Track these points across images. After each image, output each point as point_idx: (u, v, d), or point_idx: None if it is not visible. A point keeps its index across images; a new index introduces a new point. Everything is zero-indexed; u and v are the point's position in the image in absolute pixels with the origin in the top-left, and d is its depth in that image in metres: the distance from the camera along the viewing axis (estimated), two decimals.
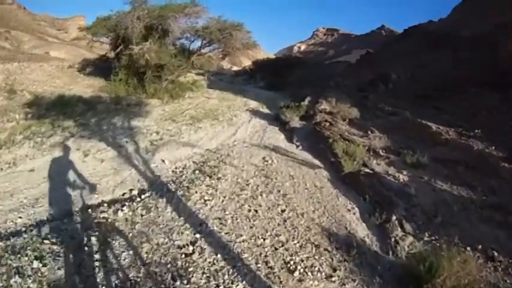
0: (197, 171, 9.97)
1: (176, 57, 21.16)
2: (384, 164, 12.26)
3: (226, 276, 5.46)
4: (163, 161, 10.88)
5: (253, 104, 24.30)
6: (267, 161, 11.53)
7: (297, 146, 14.42)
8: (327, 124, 16.04)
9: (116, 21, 20.39)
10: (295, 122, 17.28)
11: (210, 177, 9.51)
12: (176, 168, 10.47)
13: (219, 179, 9.47)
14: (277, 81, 38.13)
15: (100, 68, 23.47)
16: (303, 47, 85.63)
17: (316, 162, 12.62)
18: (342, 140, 13.82)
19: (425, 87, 23.60)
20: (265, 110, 22.61)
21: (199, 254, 5.94)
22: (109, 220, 6.77)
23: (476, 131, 13.60)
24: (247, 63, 58.63)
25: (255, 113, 20.79)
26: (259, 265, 5.86)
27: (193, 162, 11.02)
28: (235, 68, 65.13)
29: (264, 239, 6.67)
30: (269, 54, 71.94)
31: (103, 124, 13.70)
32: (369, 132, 15.24)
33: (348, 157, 11.49)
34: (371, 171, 11.18)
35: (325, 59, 64.03)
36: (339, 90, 27.47)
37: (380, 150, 13.14)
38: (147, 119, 15.48)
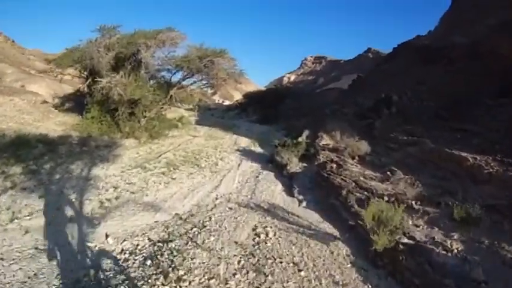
0: (148, 263, 6.09)
1: (155, 91, 17.85)
2: (423, 224, 8.29)
3: None
4: (107, 236, 7.05)
5: (244, 141, 20.62)
6: (259, 236, 7.57)
7: (300, 202, 10.44)
8: (334, 166, 12.17)
9: (82, 51, 17.35)
10: (294, 165, 13.37)
11: (166, 277, 5.64)
12: (122, 251, 6.58)
13: (179, 280, 5.61)
14: (269, 114, 34.97)
15: (79, 103, 20.25)
16: (292, 77, 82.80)
17: (329, 227, 8.71)
18: (357, 188, 10.01)
19: (433, 106, 20.43)
20: (258, 149, 18.85)
21: None
22: None
23: None
24: (238, 97, 56.00)
25: (246, 153, 17.03)
26: None
27: (150, 240, 7.11)
28: (227, 103, 62.05)
29: None
30: (260, 87, 69.07)
31: (57, 172, 10.72)
32: (389, 173, 11.35)
33: (375, 223, 7.38)
34: (412, 242, 7.17)
35: (315, 88, 60.86)
36: (337, 119, 23.74)
37: (413, 202, 9.14)
38: (112, 166, 12.24)
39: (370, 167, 12.59)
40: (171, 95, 18.16)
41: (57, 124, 16.87)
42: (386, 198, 9.24)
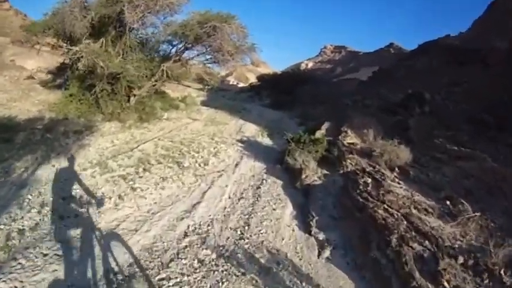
0: None
1: (145, 64, 13.74)
2: None
3: None
4: None
5: (251, 129, 16.20)
6: None
7: (321, 249, 6.06)
8: (369, 181, 7.95)
9: (56, 14, 13.08)
10: (312, 172, 8.97)
11: None
12: None
13: None
14: (284, 99, 30.23)
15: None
16: (310, 64, 77.38)
17: None
18: (412, 232, 5.91)
19: (470, 109, 17.18)
20: (266, 140, 14.50)
21: None
22: None
23: None
24: (254, 80, 51.73)
25: (250, 146, 12.71)
26: None
27: None
28: (241, 85, 57.37)
29: None
30: (276, 70, 64.52)
31: None
32: (449, 203, 7.27)
33: None
34: None
35: (333, 77, 56.16)
36: (361, 112, 19.46)
37: (502, 272, 5.02)
38: (67, 164, 8.45)
39: (418, 186, 8.39)
40: (162, 70, 13.76)
41: (35, 104, 13.29)
42: (461, 260, 5.18)
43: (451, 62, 29.02)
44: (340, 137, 12.09)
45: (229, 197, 7.77)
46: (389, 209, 6.54)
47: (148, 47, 15.07)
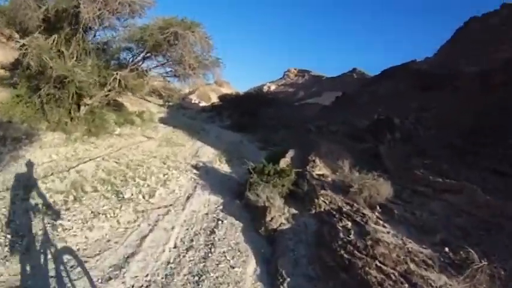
0: None
1: (100, 70, 12.18)
2: None
3: None
4: None
5: (209, 153, 14.63)
6: None
7: None
8: (349, 224, 6.48)
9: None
10: (278, 214, 7.29)
11: None
12: None
13: None
14: (245, 121, 29.11)
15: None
16: (273, 87, 76.80)
17: None
18: None
19: (446, 135, 16.60)
20: (224, 167, 12.90)
21: None
22: None
23: None
24: (216, 100, 50.57)
25: (206, 174, 11.07)
26: None
27: None
28: (203, 104, 55.83)
29: None
30: (239, 91, 63.60)
31: None
32: (448, 250, 6.03)
33: None
34: None
35: (295, 100, 55.94)
36: (326, 139, 18.38)
37: None
38: None
39: (405, 228, 7.06)
40: (115, 78, 11.91)
41: None
42: None
43: (418, 87, 29.00)
44: (308, 167, 10.67)
45: (175, 246, 5.98)
46: (384, 267, 5.03)
47: (108, 54, 13.38)
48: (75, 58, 11.68)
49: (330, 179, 9.87)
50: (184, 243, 6.13)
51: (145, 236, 6.08)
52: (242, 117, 30.14)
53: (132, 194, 7.82)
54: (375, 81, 39.12)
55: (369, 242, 5.56)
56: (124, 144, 12.32)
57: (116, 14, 11.82)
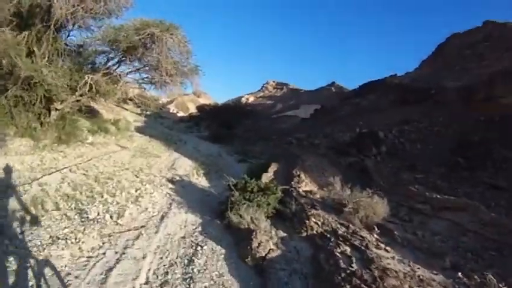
0: None
1: (73, 74, 11.22)
2: None
3: None
4: None
5: (186, 165, 13.64)
6: None
7: None
8: (348, 250, 5.60)
9: None
10: (266, 238, 6.23)
11: None
12: None
13: None
14: (223, 132, 28.58)
15: None
16: (251, 99, 76.14)
17: None
18: None
19: (435, 150, 16.61)
20: (202, 181, 11.84)
21: None
22: None
23: None
24: (195, 110, 49.83)
25: (182, 189, 10.00)
26: None
27: None
28: (181, 114, 54.80)
29: None
30: (217, 102, 62.80)
31: None
32: (463, 275, 5.29)
33: None
34: None
35: (273, 113, 55.25)
36: (308, 152, 17.70)
37: None
38: None
39: (410, 251, 6.28)
40: (86, 82, 10.98)
41: None
42: None
43: (399, 101, 28.82)
44: (293, 182, 9.81)
45: (147, 281, 4.81)
46: None
47: (82, 56, 12.42)
48: (46, 58, 10.76)
49: (318, 196, 9.02)
50: (157, 276, 5.00)
51: (111, 268, 4.93)
52: (220, 128, 29.48)
53: (98, 214, 6.70)
54: (354, 95, 39.08)
55: (377, 273, 4.67)
56: (96, 153, 11.32)
57: (91, 13, 10.92)
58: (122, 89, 12.62)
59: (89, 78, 10.85)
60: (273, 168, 11.42)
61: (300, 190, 9.11)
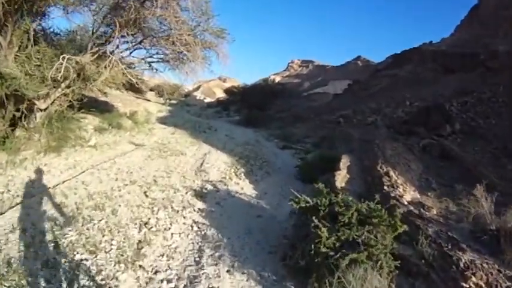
0: None
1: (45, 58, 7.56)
2: None
3: None
4: None
5: (219, 163, 9.82)
6: None
7: None
8: None
9: None
10: None
11: None
12: None
13: None
14: (256, 115, 24.48)
15: None
16: (277, 79, 71.94)
17: None
18: None
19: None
20: (245, 187, 8.13)
21: None
22: None
23: None
24: (222, 95, 46.61)
25: (218, 209, 6.47)
26: None
27: None
28: (208, 100, 51.38)
29: None
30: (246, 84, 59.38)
31: None
32: None
33: None
34: None
35: (302, 91, 51.38)
36: (363, 132, 14.04)
37: None
38: None
39: None
40: (61, 65, 6.79)
41: None
42: None
43: (442, 70, 24.52)
44: (385, 187, 6.21)
45: None
46: None
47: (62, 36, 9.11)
48: (17, 48, 7.30)
49: (435, 211, 5.41)
50: None
51: None
52: (252, 111, 25.91)
53: None
54: (387, 66, 34.76)
55: None
56: (96, 160, 8.02)
57: None
58: (108, 68, 8.64)
59: (64, 60, 6.93)
60: (345, 162, 7.78)
61: (404, 201, 5.52)
